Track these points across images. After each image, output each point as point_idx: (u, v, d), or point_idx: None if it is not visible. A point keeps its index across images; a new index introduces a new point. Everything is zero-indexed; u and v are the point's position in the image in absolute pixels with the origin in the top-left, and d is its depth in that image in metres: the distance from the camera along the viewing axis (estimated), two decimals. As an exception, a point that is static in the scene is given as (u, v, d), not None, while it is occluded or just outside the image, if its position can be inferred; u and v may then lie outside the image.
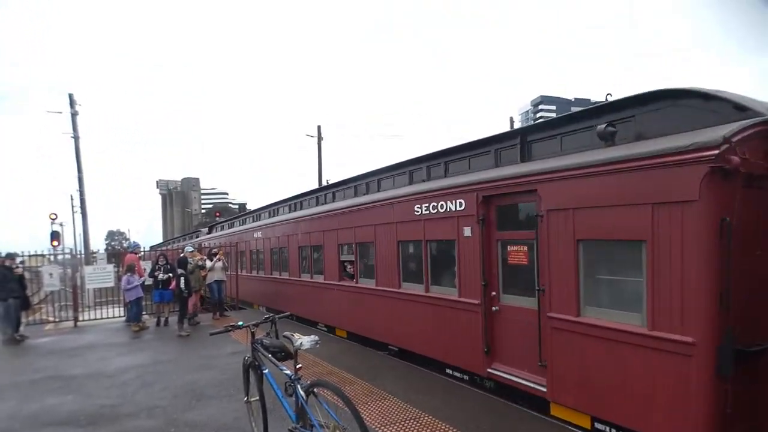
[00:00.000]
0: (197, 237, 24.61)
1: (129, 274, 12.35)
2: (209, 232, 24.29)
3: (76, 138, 18.75)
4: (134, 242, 14.78)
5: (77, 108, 18.71)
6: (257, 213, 18.82)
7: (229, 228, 21.36)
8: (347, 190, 10.96)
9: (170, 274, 12.26)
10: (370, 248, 9.17)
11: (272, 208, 16.49)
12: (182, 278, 11.89)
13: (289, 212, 14.36)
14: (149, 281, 12.81)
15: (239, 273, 16.70)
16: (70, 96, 18.91)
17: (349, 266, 10.32)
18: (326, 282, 11.00)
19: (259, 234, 15.87)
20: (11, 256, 11.82)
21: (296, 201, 14.19)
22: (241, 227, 18.98)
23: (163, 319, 12.79)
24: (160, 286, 12.42)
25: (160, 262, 12.57)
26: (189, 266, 12.97)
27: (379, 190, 9.51)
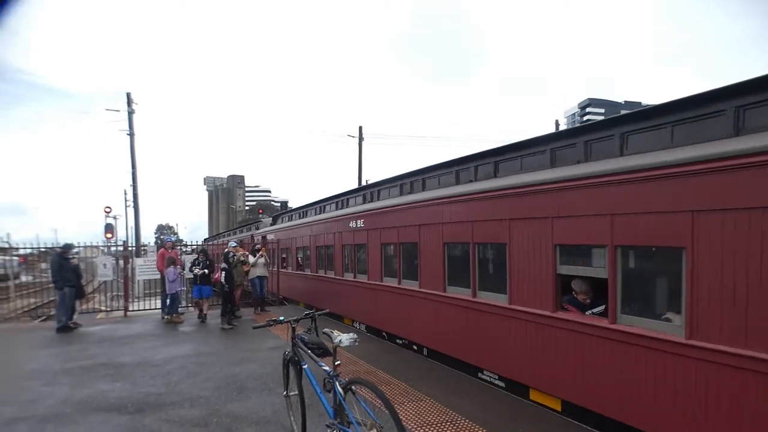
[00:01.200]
0: (256, 228, 23.34)
1: (172, 267, 12.74)
2: (273, 223, 22.33)
3: (131, 135, 19.68)
4: (168, 237, 15.31)
5: (134, 106, 19.64)
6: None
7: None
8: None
9: (206, 270, 12.48)
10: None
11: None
12: (224, 272, 12.13)
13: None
14: (189, 275, 13.09)
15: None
16: (128, 95, 19.86)
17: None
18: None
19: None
20: (68, 247, 12.43)
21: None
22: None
23: (203, 314, 12.89)
24: (198, 282, 12.60)
25: (200, 258, 12.78)
26: (233, 260, 13.30)
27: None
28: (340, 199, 13.57)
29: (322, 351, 4.18)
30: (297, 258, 16.70)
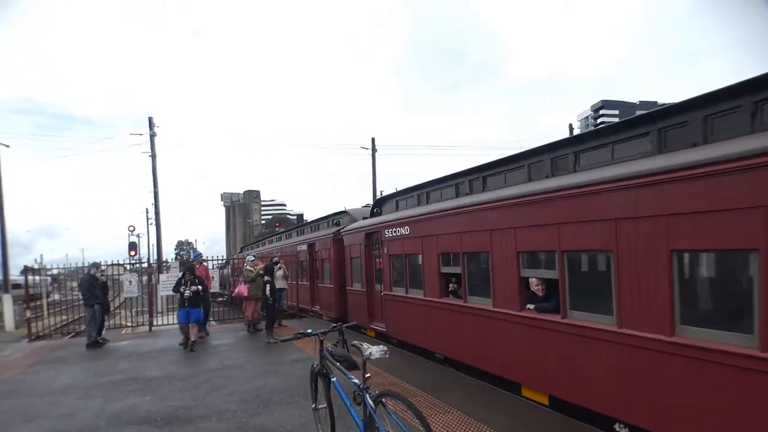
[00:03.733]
0: (336, 225, 15.92)
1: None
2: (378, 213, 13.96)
3: (153, 156, 20.22)
4: (195, 251, 15.11)
5: (155, 130, 20.18)
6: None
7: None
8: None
9: (199, 287, 11.22)
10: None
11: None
12: (268, 285, 11.95)
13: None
14: (168, 292, 12.26)
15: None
16: (150, 119, 20.46)
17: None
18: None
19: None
20: (96, 266, 12.80)
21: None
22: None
23: (189, 342, 11.03)
24: (186, 304, 11.03)
25: (186, 277, 11.27)
26: (250, 275, 13.43)
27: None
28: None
29: (350, 364, 4.23)
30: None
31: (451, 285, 8.55)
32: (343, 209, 15.79)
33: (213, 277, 14.04)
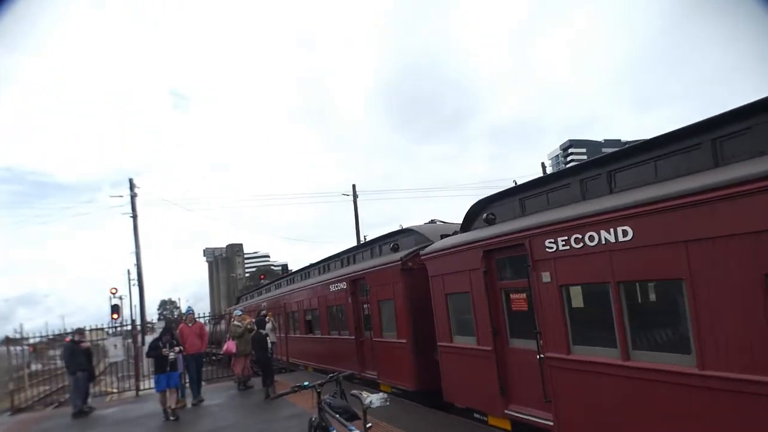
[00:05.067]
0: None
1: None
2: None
3: (134, 217, 20.25)
4: (189, 308, 13.28)
5: (136, 191, 20.39)
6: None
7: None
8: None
9: (180, 348, 10.51)
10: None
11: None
12: (267, 338, 11.71)
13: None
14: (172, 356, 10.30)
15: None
16: (131, 180, 20.75)
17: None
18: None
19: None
20: (80, 331, 12.59)
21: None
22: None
23: (169, 410, 10.18)
24: (169, 368, 10.07)
25: (164, 339, 10.37)
26: (238, 330, 13.26)
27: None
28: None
29: (350, 415, 4.29)
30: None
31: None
32: (403, 227, 11.58)
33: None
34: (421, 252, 9.03)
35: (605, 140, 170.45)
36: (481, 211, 7.97)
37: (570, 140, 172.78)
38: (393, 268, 10.04)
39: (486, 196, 8.03)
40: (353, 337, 12.07)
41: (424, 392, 9.20)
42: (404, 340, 9.68)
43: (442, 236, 9.17)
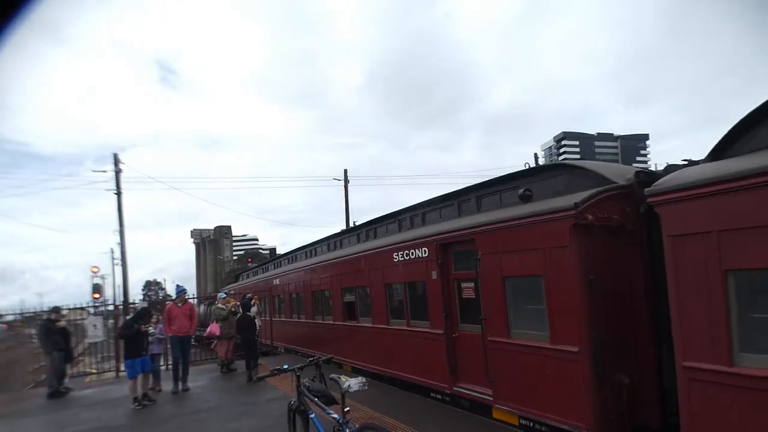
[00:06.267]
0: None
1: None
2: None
3: (118, 194, 19.72)
4: (180, 286, 11.90)
5: (121, 166, 19.85)
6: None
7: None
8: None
9: (160, 327, 10.55)
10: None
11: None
12: (256, 320, 12.04)
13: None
14: (153, 330, 10.33)
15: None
16: (115, 156, 20.13)
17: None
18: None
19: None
20: (56, 310, 12.27)
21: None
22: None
23: (140, 395, 9.65)
24: (144, 352, 9.69)
25: (140, 323, 9.72)
26: (222, 313, 13.08)
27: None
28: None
29: (328, 399, 4.22)
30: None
31: None
32: (563, 162, 8.31)
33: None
34: (654, 187, 4.69)
35: (598, 133, 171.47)
36: (738, 131, 4.54)
37: (564, 132, 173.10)
38: (552, 221, 5.71)
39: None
40: (439, 331, 7.92)
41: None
42: (575, 348, 5.45)
43: (639, 173, 5.66)
